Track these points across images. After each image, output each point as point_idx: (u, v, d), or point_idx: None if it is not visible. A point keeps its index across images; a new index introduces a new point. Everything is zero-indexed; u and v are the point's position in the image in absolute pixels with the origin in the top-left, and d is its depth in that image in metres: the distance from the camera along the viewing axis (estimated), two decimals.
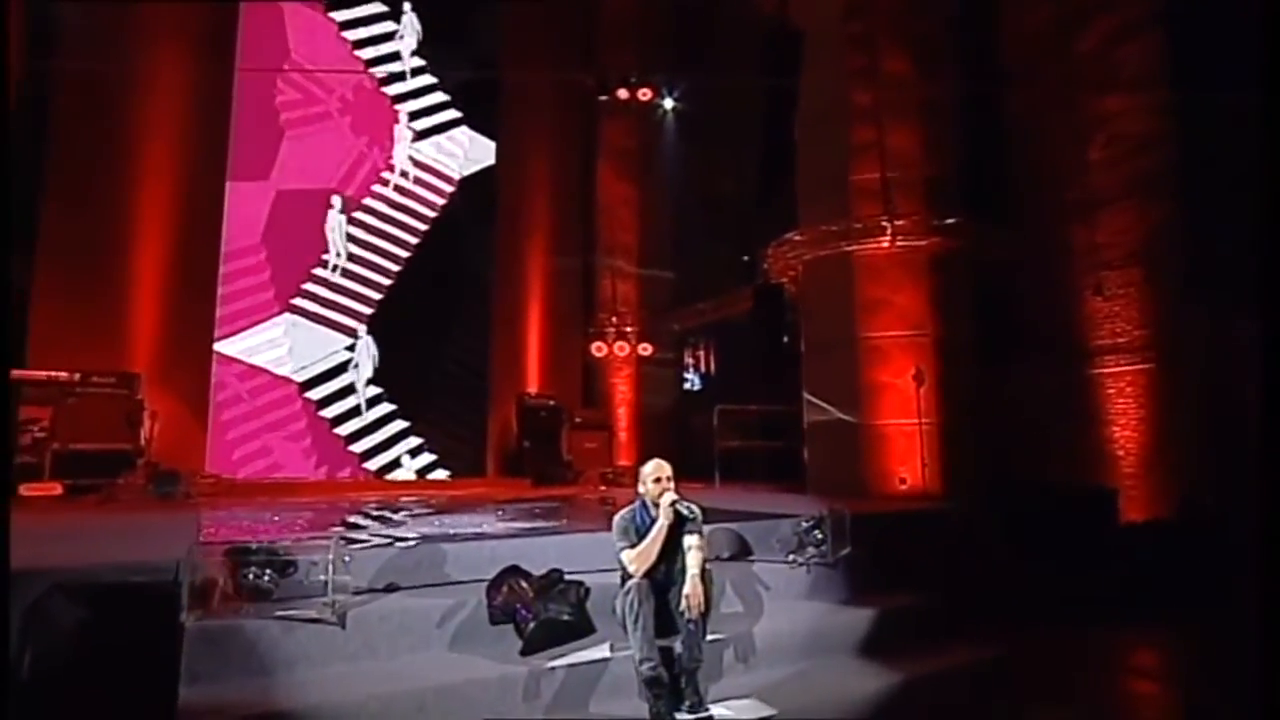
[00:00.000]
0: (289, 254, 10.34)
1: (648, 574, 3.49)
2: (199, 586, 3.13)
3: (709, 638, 3.66)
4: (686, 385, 15.18)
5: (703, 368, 15.31)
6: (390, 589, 3.77)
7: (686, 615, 3.29)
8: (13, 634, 3.04)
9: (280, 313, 10.22)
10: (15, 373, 7.79)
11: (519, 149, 12.63)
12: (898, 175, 8.35)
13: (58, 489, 7.21)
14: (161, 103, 9.60)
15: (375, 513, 6.00)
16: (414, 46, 11.73)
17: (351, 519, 5.58)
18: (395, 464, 10.80)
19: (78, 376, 7.76)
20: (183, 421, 9.13)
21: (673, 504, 3.57)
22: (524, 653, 3.35)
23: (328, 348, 10.51)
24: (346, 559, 3.42)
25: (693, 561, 3.44)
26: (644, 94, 13.81)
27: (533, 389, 12.12)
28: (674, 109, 14.05)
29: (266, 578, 3.24)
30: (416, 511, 6.25)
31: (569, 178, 13.40)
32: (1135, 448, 8.13)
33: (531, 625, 3.43)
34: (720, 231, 12.99)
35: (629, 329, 13.69)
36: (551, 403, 11.58)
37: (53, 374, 7.83)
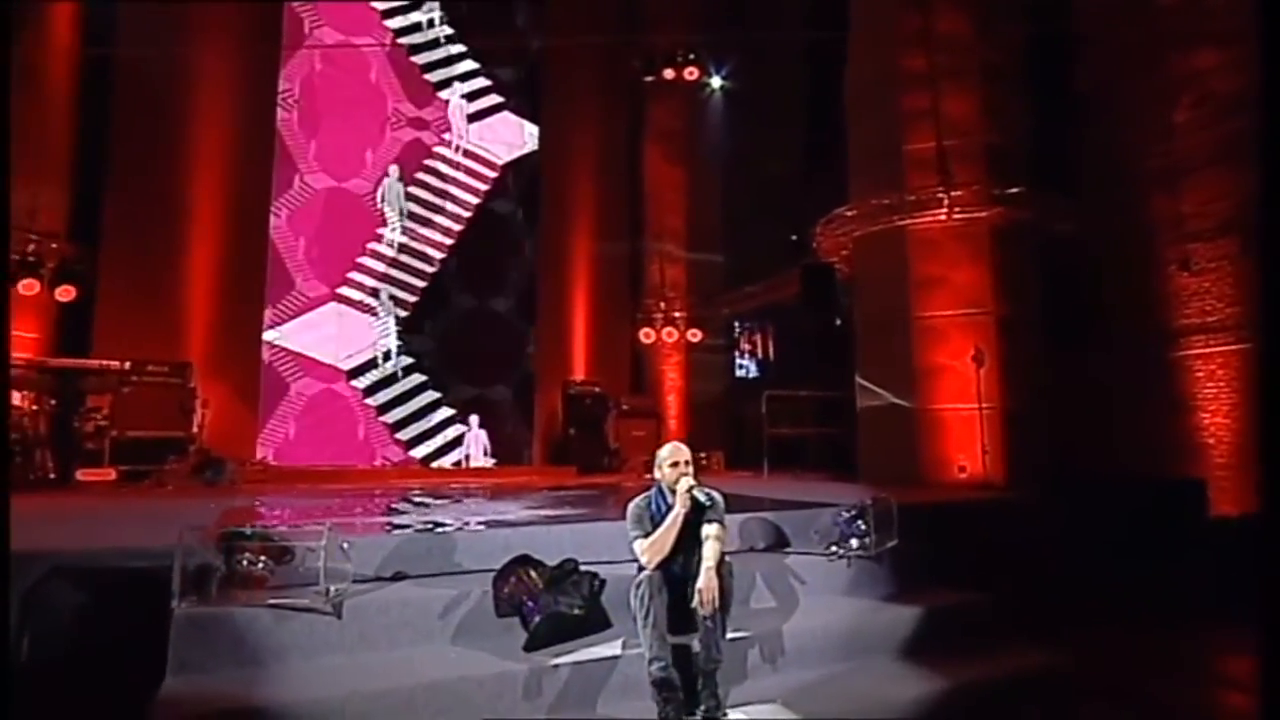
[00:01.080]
0: (337, 241, 10.41)
1: (663, 565, 3.22)
2: (193, 573, 3.01)
3: (730, 635, 3.36)
4: (740, 372, 14.83)
5: (760, 354, 14.92)
6: (398, 577, 3.60)
7: (700, 611, 2.99)
8: (13, 615, 3.00)
9: (328, 300, 10.30)
10: (71, 361, 8.07)
11: (562, 134, 12.42)
12: (955, 143, 7.79)
13: (112, 474, 7.41)
14: (211, 98, 9.79)
15: (402, 499, 5.89)
16: (451, 32, 11.62)
17: (374, 505, 5.49)
18: (442, 451, 10.78)
19: (128, 365, 7.94)
20: (234, 409, 9.32)
21: (689, 490, 3.27)
22: (528, 648, 3.12)
23: (373, 336, 10.56)
24: (344, 546, 3.26)
25: (709, 552, 3.14)
26: (691, 73, 13.38)
27: (579, 376, 11.93)
28: (722, 87, 13.61)
29: (261, 564, 3.10)
30: (446, 498, 6.13)
31: (615, 162, 13.11)
32: (1227, 435, 7.36)
33: (537, 619, 3.20)
34: (771, 212, 12.50)
35: (678, 314, 13.35)
36: (596, 390, 11.37)
37: (105, 363, 8.04)
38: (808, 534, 4.66)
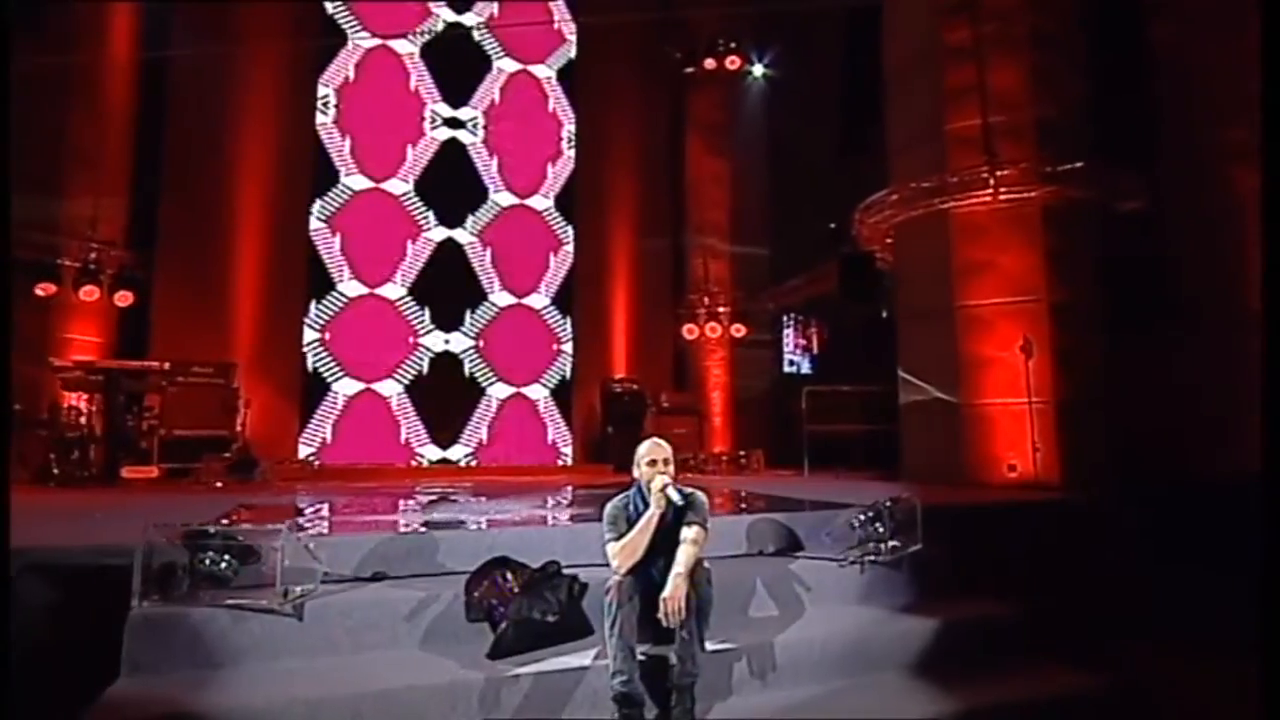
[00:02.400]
0: (375, 242, 10.55)
1: (638, 570, 2.99)
2: (156, 572, 2.95)
3: (715, 647, 3.12)
4: (791, 368, 14.39)
5: (813, 348, 14.45)
6: (378, 577, 3.48)
7: (664, 622, 2.75)
8: None
9: (367, 300, 10.45)
10: (118, 363, 8.38)
11: (600, 129, 12.27)
12: (1002, 119, 7.24)
13: (154, 471, 7.65)
14: (255, 107, 10.09)
15: (412, 497, 5.83)
16: (487, 33, 11.62)
17: (382, 503, 5.44)
18: (478, 450, 10.80)
19: (167, 366, 8.19)
20: (276, 408, 9.55)
21: (664, 489, 3.03)
22: (492, 655, 2.94)
23: (412, 335, 10.65)
24: (309, 546, 3.16)
25: (680, 557, 2.89)
26: (732, 62, 13.04)
27: (620, 374, 11.76)
28: (764, 75, 13.20)
29: (224, 564, 3.02)
30: (463, 497, 6.04)
31: (655, 156, 12.88)
32: None
33: (503, 625, 3.02)
34: (817, 201, 12.04)
35: (721, 310, 13.02)
36: (635, 388, 11.17)
37: (149, 364, 8.32)
38: (821, 537, 4.35)
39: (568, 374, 11.63)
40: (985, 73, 7.29)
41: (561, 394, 11.55)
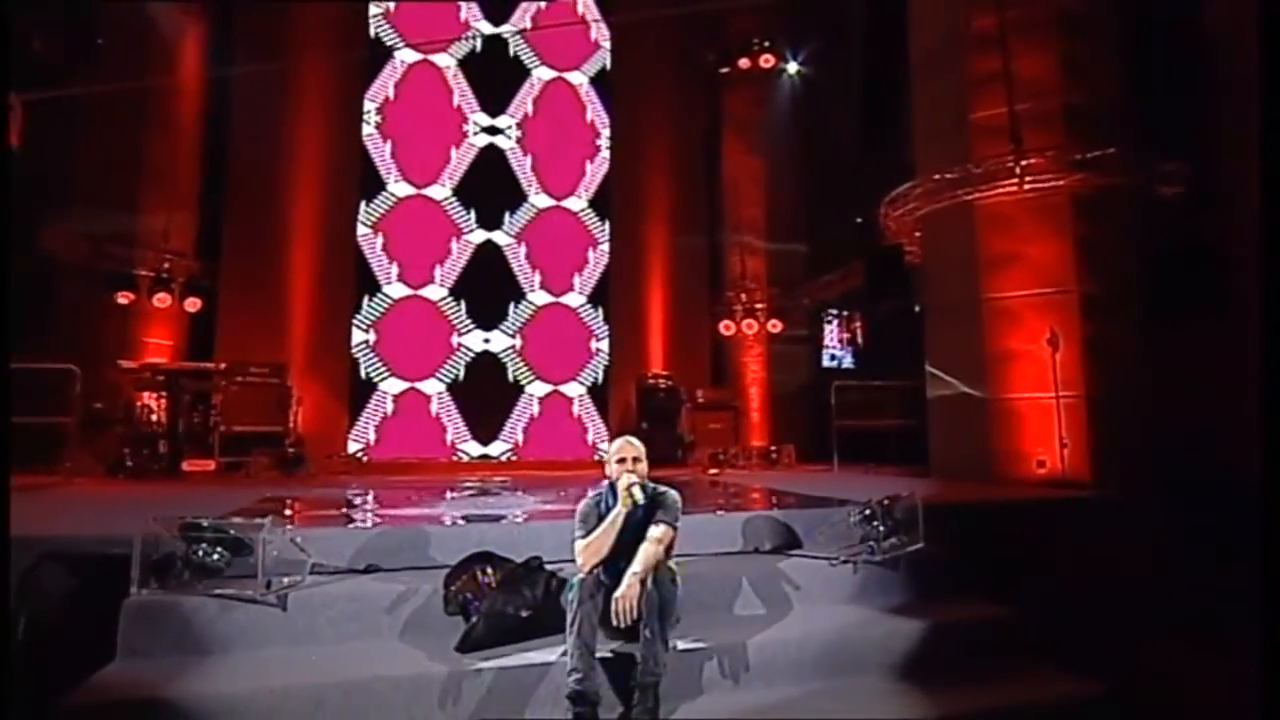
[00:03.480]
0: (418, 245, 10.77)
1: (607, 568, 2.92)
2: (154, 561, 3.05)
3: (687, 646, 3.04)
4: (832, 362, 14.06)
5: (857, 342, 14.06)
6: (370, 570, 3.52)
7: (614, 621, 2.67)
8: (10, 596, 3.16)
9: (411, 302, 10.67)
10: (180, 364, 8.79)
11: (635, 130, 12.18)
12: (1029, 107, 6.83)
13: (212, 465, 7.99)
14: (306, 123, 10.42)
15: (427, 492, 5.90)
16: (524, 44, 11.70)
17: (405, 496, 5.51)
18: (518, 446, 10.90)
19: (223, 366, 8.54)
20: (327, 406, 9.85)
21: (629, 487, 2.95)
22: (460, 648, 2.92)
23: (454, 334, 10.83)
24: (297, 540, 3.21)
25: (639, 557, 2.81)
26: (766, 60, 12.77)
27: (657, 369, 11.68)
28: (799, 73, 12.87)
29: (217, 555, 3.10)
30: (478, 491, 6.09)
31: (690, 156, 12.71)
32: None
33: (474, 619, 3.00)
34: (852, 196, 11.67)
35: (758, 306, 12.78)
36: (669, 383, 11.07)
37: (205, 365, 8.70)
38: (816, 535, 4.19)
39: (604, 371, 11.61)
40: (1011, 60, 6.88)
41: (598, 390, 11.54)
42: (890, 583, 3.83)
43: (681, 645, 3.03)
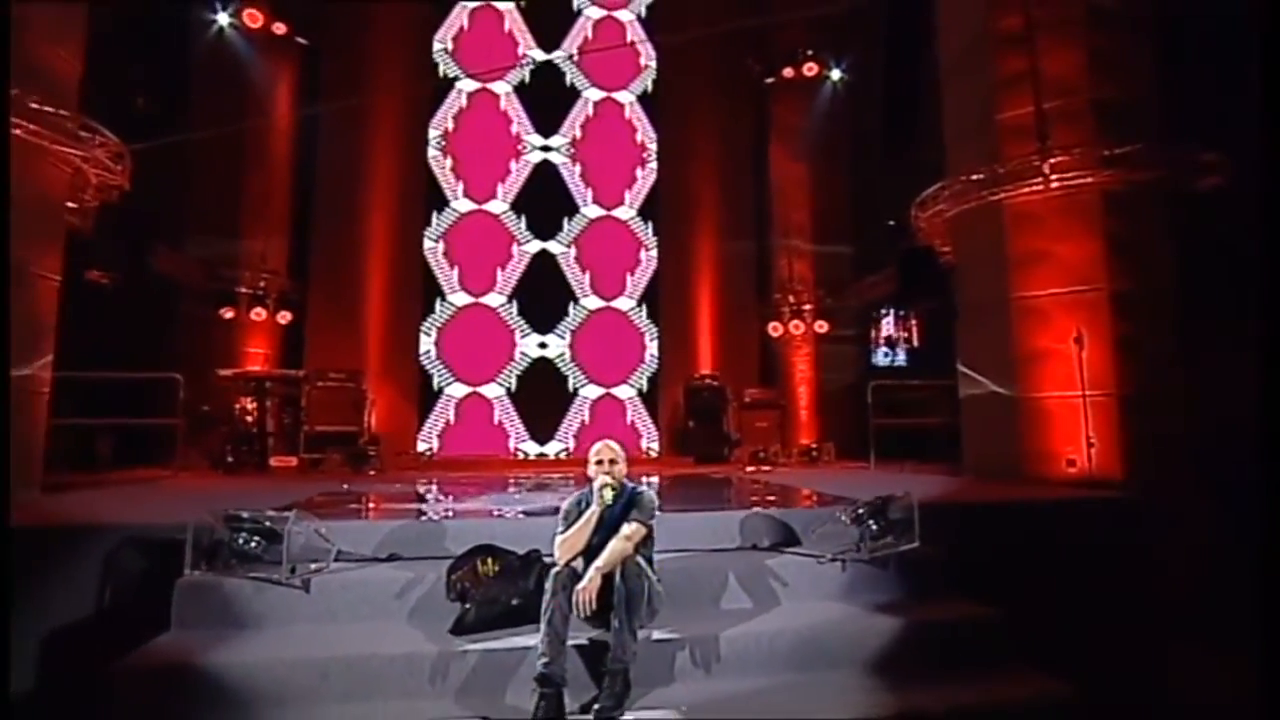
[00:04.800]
0: (479, 256, 11.21)
1: (584, 562, 3.04)
2: (204, 547, 3.38)
3: (661, 636, 3.13)
4: (885, 360, 13.73)
5: (912, 340, 13.67)
6: (392, 558, 3.77)
7: (575, 611, 2.79)
8: (95, 572, 3.60)
9: (473, 310, 11.11)
10: (268, 371, 9.48)
11: (682, 139, 12.26)
12: (1057, 105, 6.50)
13: (294, 461, 8.60)
14: (379, 152, 11.06)
15: (465, 489, 6.17)
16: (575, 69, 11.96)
17: (441, 491, 5.80)
18: (571, 445, 11.16)
19: (303, 373, 9.17)
20: (398, 408, 10.41)
21: (600, 488, 3.06)
22: (454, 632, 3.11)
23: (513, 340, 11.21)
24: (321, 531, 3.49)
25: (604, 552, 2.92)
26: (810, 69, 12.62)
27: (705, 370, 11.71)
28: (841, 80, 12.61)
29: (254, 543, 3.41)
30: (536, 486, 6.33)
31: (737, 163, 12.68)
32: None
33: (467, 606, 3.18)
34: (897, 198, 11.36)
35: (806, 307, 12.64)
36: (715, 384, 11.07)
37: (288, 372, 9.36)
38: (817, 532, 4.17)
39: (654, 372, 11.74)
40: (1038, 58, 6.57)
41: (649, 391, 11.68)
42: (880, 581, 3.78)
43: (656, 635, 3.12)
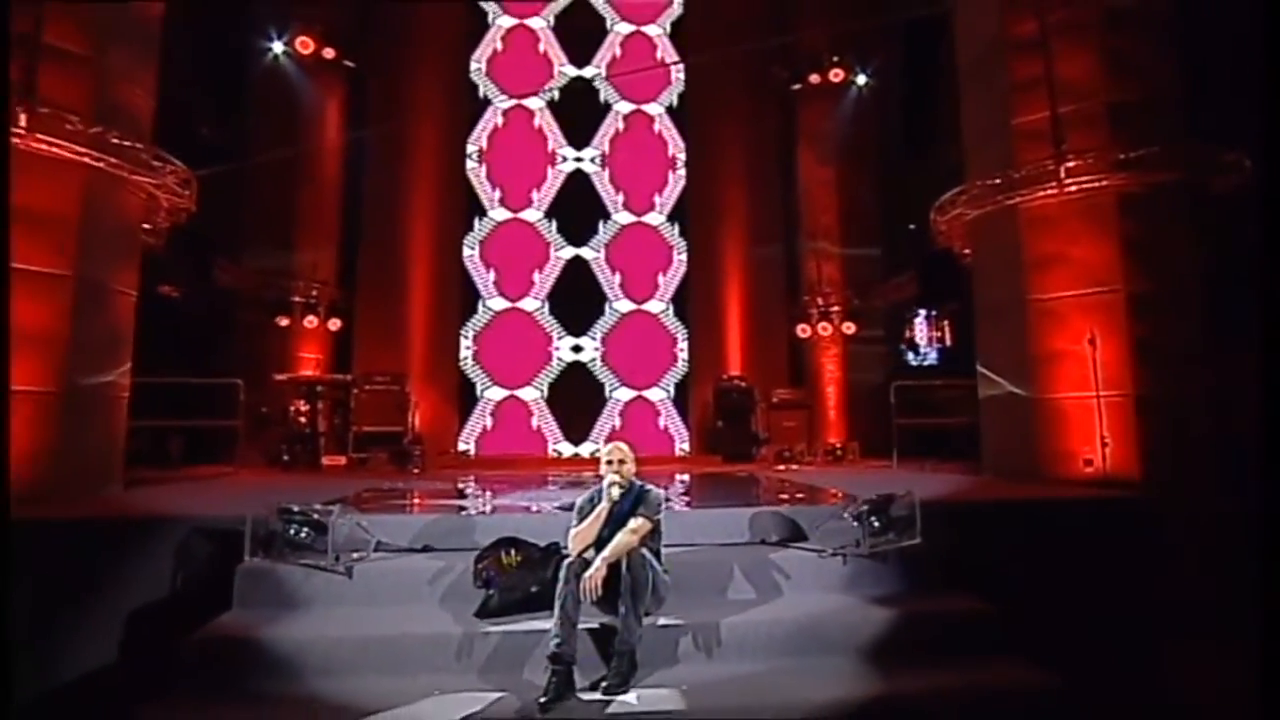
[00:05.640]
0: (515, 263, 11.63)
1: (596, 552, 3.29)
2: (260, 537, 3.75)
3: (665, 623, 3.36)
4: (919, 359, 13.73)
5: (945, 340, 13.60)
6: (426, 549, 4.09)
7: (582, 597, 3.03)
8: (169, 560, 4.00)
9: (510, 314, 11.51)
10: (316, 375, 10.01)
11: (710, 146, 12.41)
12: (1072, 109, 6.50)
13: (343, 460, 9.09)
14: (422, 169, 11.54)
15: (497, 487, 6.48)
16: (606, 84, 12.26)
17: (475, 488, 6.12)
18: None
19: (351, 377, 9.65)
20: (440, 410, 10.86)
21: (609, 486, 3.30)
22: (478, 615, 3.39)
23: (548, 343, 11.56)
24: (361, 523, 3.82)
25: (610, 544, 3.16)
26: (836, 75, 12.64)
27: (734, 372, 11.86)
28: (867, 85, 12.60)
29: (304, 534, 3.75)
30: (571, 483, 6.61)
31: (765, 168, 12.74)
32: None
33: (491, 592, 3.46)
34: (925, 200, 11.34)
35: (834, 309, 12.67)
36: (743, 384, 11.20)
37: (337, 376, 9.86)
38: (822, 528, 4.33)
39: (685, 373, 11.94)
40: (1053, 63, 6.58)
41: (680, 392, 11.89)
42: (880, 575, 3.93)
43: (662, 621, 3.36)
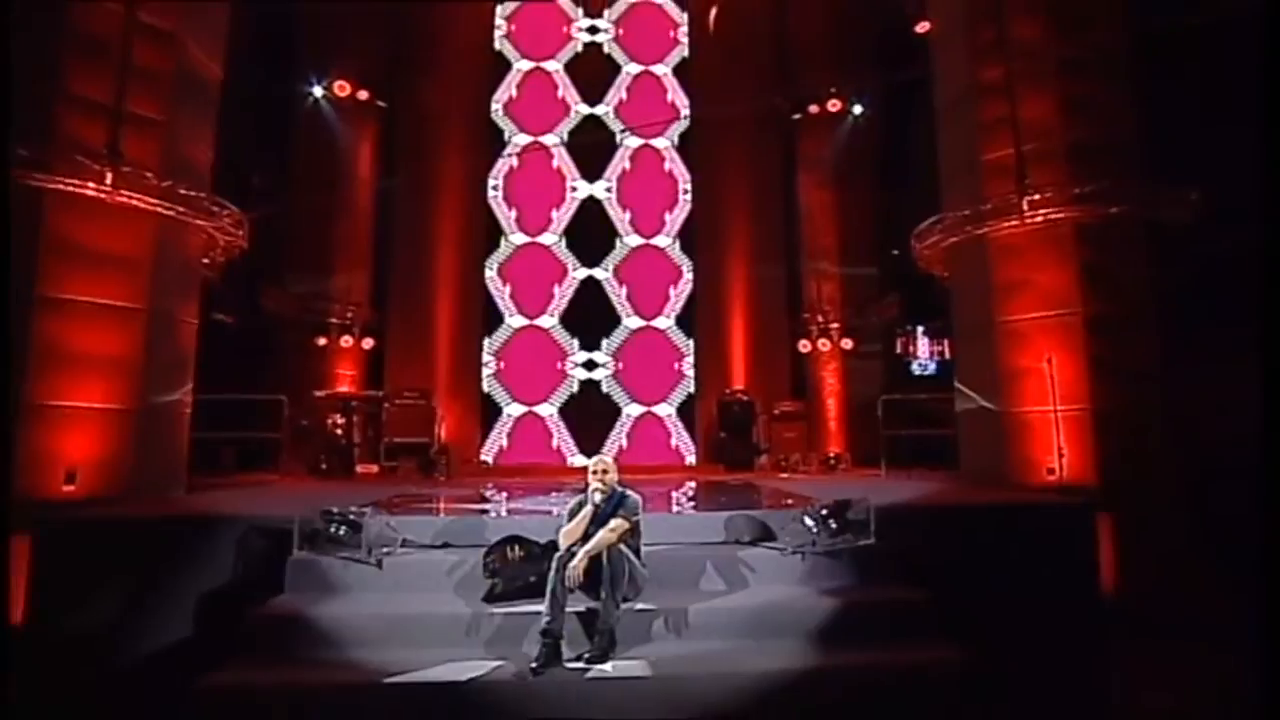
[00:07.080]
0: (532, 284, 12.33)
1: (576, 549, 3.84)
2: (307, 533, 4.37)
3: (642, 606, 3.89)
4: (920, 370, 14.20)
5: (946, 354, 14.02)
6: (445, 546, 4.68)
7: (569, 583, 3.58)
8: (229, 554, 4.64)
9: (528, 332, 12.18)
10: (350, 392, 10.73)
11: (715, 174, 12.99)
12: (1033, 147, 6.99)
13: (375, 469, 9.78)
14: (447, 199, 12.29)
15: (509, 493, 7.06)
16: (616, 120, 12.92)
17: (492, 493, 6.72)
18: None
19: (381, 393, 10.35)
20: (465, 422, 11.52)
21: (592, 492, 3.87)
22: (484, 600, 3.97)
23: (563, 358, 12.20)
24: (390, 523, 4.43)
25: (592, 540, 3.71)
26: (833, 105, 13.18)
27: (737, 386, 12.36)
28: (864, 114, 13.12)
29: (343, 532, 4.37)
30: (554, 494, 7.18)
31: (767, 194, 13.25)
32: None
33: (496, 581, 4.04)
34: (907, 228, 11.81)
35: (833, 326, 13.12)
36: (745, 398, 11.71)
37: (369, 393, 10.57)
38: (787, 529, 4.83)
39: (691, 388, 12.46)
40: (1017, 106, 7.06)
41: (686, 405, 12.42)
42: (835, 570, 4.41)
43: (639, 607, 3.90)
